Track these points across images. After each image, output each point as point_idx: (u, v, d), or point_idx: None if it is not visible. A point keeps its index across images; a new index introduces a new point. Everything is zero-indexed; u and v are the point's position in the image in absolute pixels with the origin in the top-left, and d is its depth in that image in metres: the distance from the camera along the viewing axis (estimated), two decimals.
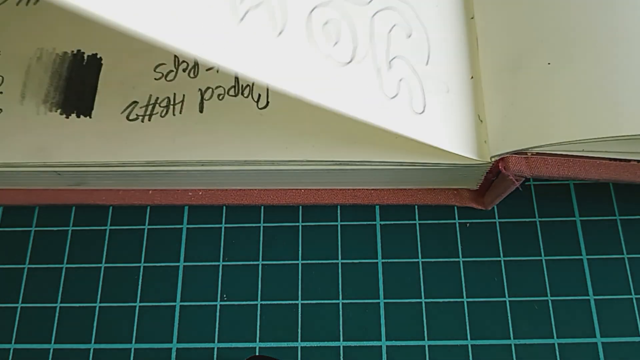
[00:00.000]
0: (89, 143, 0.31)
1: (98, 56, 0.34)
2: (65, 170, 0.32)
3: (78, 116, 0.32)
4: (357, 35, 0.27)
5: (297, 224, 0.35)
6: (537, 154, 0.27)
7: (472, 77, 0.31)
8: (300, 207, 0.36)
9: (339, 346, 0.33)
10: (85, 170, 0.32)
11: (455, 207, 0.35)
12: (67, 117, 0.32)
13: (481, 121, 0.29)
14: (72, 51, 0.34)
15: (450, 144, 0.29)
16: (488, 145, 0.29)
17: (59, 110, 0.32)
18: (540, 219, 0.35)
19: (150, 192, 0.35)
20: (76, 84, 0.33)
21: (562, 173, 0.27)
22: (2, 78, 0.33)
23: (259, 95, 0.32)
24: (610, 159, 0.26)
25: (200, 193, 0.35)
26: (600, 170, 0.27)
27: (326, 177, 0.32)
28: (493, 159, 0.28)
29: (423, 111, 0.29)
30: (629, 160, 0.26)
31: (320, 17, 0.26)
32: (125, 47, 0.34)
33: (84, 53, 0.34)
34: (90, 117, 0.32)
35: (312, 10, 0.26)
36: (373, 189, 0.34)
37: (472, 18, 0.32)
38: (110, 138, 0.31)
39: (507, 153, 0.27)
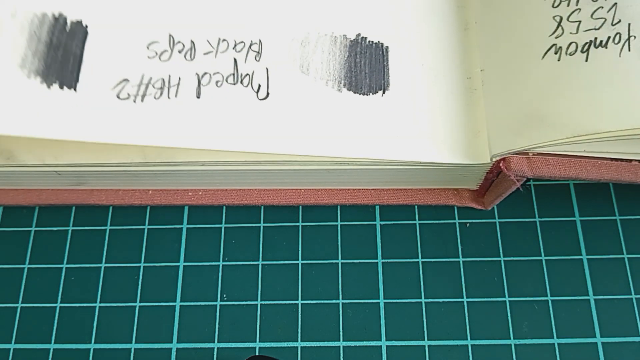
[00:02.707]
0: (75, 117, 0.29)
1: (83, 24, 0.31)
2: (65, 170, 0.32)
3: (61, 87, 0.30)
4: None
5: (297, 224, 0.35)
6: (539, 154, 0.27)
7: (468, 78, 0.31)
8: (300, 207, 0.36)
9: (339, 346, 0.33)
10: (84, 170, 0.32)
11: (455, 207, 0.35)
12: (48, 87, 0.30)
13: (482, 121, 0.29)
14: (53, 14, 0.31)
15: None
16: (489, 146, 0.29)
17: (38, 79, 0.30)
18: (540, 219, 0.35)
19: (150, 192, 0.35)
20: (58, 51, 0.30)
21: (563, 173, 0.27)
22: None
23: (259, 85, 0.31)
24: (611, 159, 0.27)
25: (200, 193, 0.35)
26: (602, 170, 0.27)
27: (326, 177, 0.32)
28: (494, 159, 0.28)
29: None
30: (630, 160, 0.26)
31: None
32: (114, 18, 0.32)
33: (66, 18, 0.31)
34: (75, 90, 0.30)
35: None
36: (373, 189, 0.34)
37: (465, 30, 0.32)
38: (99, 115, 0.29)
39: (508, 153, 0.27)
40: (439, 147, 0.29)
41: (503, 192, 0.30)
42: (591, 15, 0.26)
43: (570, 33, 0.27)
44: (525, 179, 0.28)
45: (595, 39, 0.26)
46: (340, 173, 0.31)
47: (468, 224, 0.35)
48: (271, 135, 0.30)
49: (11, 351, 0.33)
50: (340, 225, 0.35)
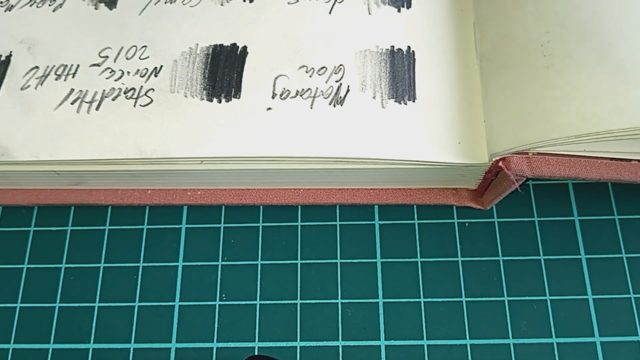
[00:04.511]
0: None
1: None
2: (63, 170, 0.32)
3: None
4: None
5: (296, 223, 0.35)
6: (538, 153, 0.27)
7: (467, 78, 0.31)
8: (299, 206, 0.36)
9: (338, 346, 0.33)
10: (83, 170, 0.32)
11: (454, 207, 0.35)
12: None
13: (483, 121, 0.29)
14: None
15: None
16: (487, 145, 0.29)
17: None
18: (539, 219, 0.35)
19: (149, 191, 0.35)
20: None
21: (563, 173, 0.27)
22: None
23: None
24: (610, 159, 0.27)
25: (199, 193, 0.35)
26: (601, 169, 0.27)
27: (325, 176, 0.32)
28: (493, 159, 0.28)
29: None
30: (630, 160, 0.26)
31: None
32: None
33: None
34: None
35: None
36: (372, 189, 0.34)
37: (463, 29, 0.32)
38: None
39: (508, 152, 0.27)
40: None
41: (502, 192, 0.30)
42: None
43: None
44: (524, 180, 0.28)
45: None
46: (339, 173, 0.31)
47: (467, 224, 0.35)
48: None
49: (10, 351, 0.33)
50: (339, 225, 0.35)
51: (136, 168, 0.32)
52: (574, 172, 0.27)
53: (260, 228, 0.36)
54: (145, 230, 0.36)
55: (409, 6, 0.34)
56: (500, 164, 0.28)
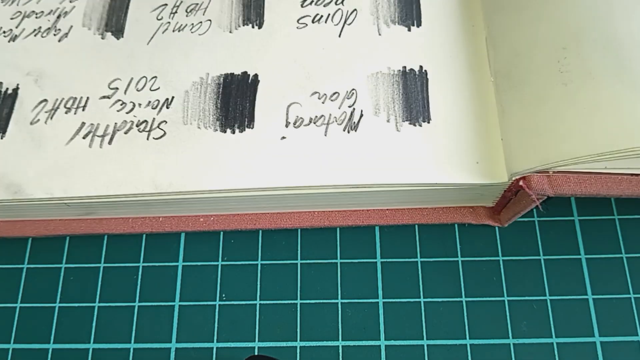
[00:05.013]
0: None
1: None
2: (74, 202, 0.32)
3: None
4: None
5: None
6: (559, 172, 0.27)
7: (484, 98, 0.31)
8: None
9: (338, 346, 0.33)
10: (94, 202, 0.32)
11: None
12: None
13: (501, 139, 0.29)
14: None
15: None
16: (506, 164, 0.28)
17: None
18: (538, 219, 0.35)
19: (160, 219, 0.34)
20: None
21: (584, 191, 0.26)
22: None
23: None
24: (632, 175, 0.26)
25: (212, 219, 0.34)
26: (623, 186, 0.26)
27: (342, 199, 0.32)
28: (513, 178, 0.28)
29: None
30: None
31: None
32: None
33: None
34: None
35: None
36: (388, 209, 0.34)
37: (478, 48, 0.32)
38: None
39: (528, 172, 0.27)
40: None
41: (521, 210, 0.30)
42: None
43: None
44: (545, 198, 0.27)
45: None
46: (355, 195, 0.31)
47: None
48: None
49: (10, 351, 0.33)
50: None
51: (150, 198, 0.31)
52: (596, 189, 0.26)
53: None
54: None
55: (419, 24, 0.33)
56: (520, 183, 0.28)
